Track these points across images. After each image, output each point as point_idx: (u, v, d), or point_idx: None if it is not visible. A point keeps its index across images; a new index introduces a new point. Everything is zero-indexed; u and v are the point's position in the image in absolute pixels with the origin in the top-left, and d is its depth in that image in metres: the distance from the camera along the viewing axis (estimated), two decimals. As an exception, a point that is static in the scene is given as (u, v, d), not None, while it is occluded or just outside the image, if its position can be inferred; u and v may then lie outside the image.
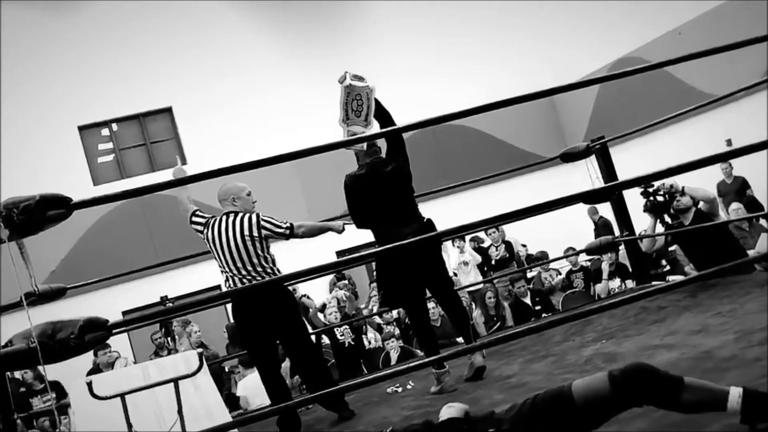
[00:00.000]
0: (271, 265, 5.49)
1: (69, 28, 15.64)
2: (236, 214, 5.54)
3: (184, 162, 15.18)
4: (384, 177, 5.63)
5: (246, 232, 5.42)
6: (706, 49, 3.92)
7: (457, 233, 9.69)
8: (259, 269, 5.42)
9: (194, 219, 5.72)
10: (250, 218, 5.47)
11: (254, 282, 5.44)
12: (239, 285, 5.45)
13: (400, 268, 5.61)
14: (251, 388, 8.46)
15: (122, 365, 9.22)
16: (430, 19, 17.47)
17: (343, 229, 5.82)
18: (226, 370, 10.45)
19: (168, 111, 16.31)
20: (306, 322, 6.26)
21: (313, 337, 9.35)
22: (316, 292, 12.10)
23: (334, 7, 17.21)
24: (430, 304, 8.90)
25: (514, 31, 17.51)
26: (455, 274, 11.62)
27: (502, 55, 17.36)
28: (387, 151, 5.75)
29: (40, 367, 3.00)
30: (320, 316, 10.37)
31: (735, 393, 2.94)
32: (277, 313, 5.47)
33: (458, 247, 12.32)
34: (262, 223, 5.45)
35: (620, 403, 3.06)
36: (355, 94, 5.50)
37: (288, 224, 5.50)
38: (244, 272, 5.43)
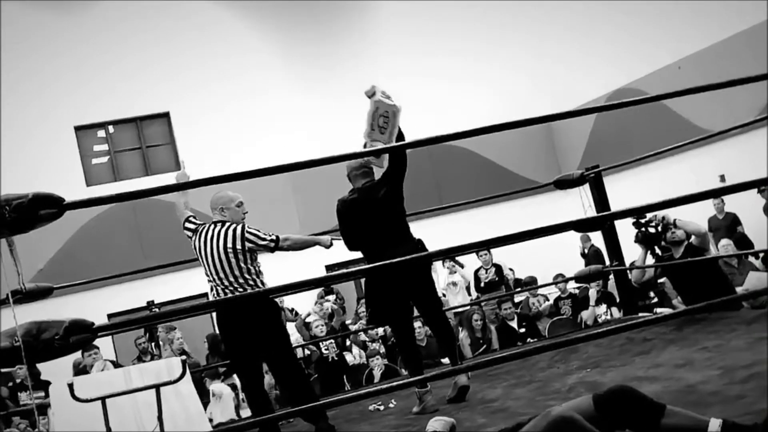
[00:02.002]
0: (254, 277, 5.45)
1: (70, 28, 15.67)
2: (223, 224, 5.52)
3: (179, 168, 15.17)
4: (375, 202, 5.64)
5: (229, 244, 5.39)
6: (705, 84, 3.95)
7: (446, 255, 9.74)
8: (241, 281, 5.40)
9: (186, 225, 5.72)
10: (234, 230, 5.43)
11: (237, 293, 5.42)
12: (222, 295, 5.44)
13: (389, 286, 5.62)
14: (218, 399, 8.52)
15: (99, 368, 9.14)
16: (430, 23, 17.52)
17: (331, 244, 5.80)
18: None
19: (165, 116, 16.33)
20: (289, 334, 6.21)
21: (301, 350, 9.41)
22: (304, 304, 12.09)
23: (332, 12, 17.26)
24: (417, 324, 8.90)
25: (515, 53, 17.57)
26: (444, 295, 11.63)
27: (501, 77, 17.42)
28: (385, 172, 5.74)
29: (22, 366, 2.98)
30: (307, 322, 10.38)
31: (715, 423, 2.97)
32: (260, 325, 5.44)
33: (448, 267, 12.33)
34: (247, 235, 5.41)
35: (603, 424, 3.07)
36: (383, 111, 5.51)
37: (273, 237, 5.46)
38: (226, 283, 5.41)
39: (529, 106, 15.70)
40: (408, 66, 16.98)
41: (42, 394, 8.96)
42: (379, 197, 5.65)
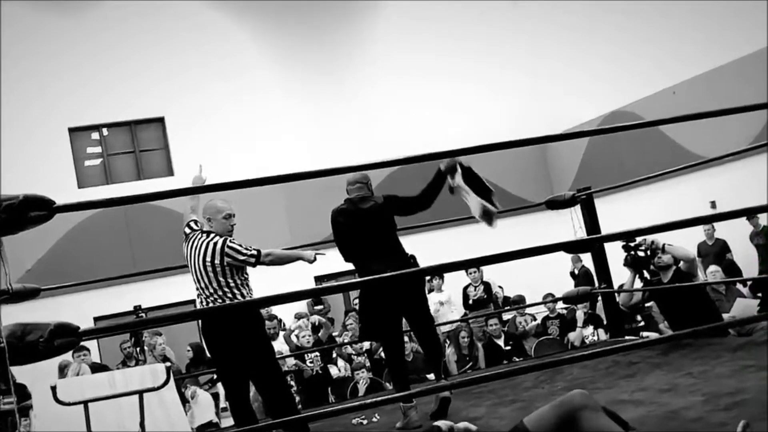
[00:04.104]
0: (234, 290, 5.38)
1: (67, 29, 15.64)
2: (209, 234, 5.49)
3: (171, 173, 15.07)
4: (362, 213, 5.73)
5: (208, 259, 5.36)
6: (699, 111, 3.96)
7: (436, 272, 9.73)
8: (220, 293, 5.37)
9: (185, 230, 5.72)
10: (215, 244, 5.39)
11: (217, 303, 5.40)
12: (205, 304, 5.43)
13: (382, 301, 5.66)
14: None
15: (75, 371, 9.08)
16: (428, 25, 17.55)
17: (315, 259, 5.77)
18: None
19: (160, 121, 16.30)
20: (272, 345, 6.18)
21: (290, 360, 9.39)
22: (292, 314, 12.08)
23: (330, 15, 17.26)
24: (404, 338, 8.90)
25: (510, 72, 17.63)
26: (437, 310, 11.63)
27: (496, 93, 17.45)
28: (388, 195, 5.87)
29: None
30: (293, 337, 10.35)
31: None
32: (241, 336, 5.40)
33: (435, 287, 12.33)
34: (227, 250, 5.36)
35: None
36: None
37: (254, 252, 5.40)
38: (207, 293, 5.40)
39: (522, 130, 15.78)
40: (406, 67, 17.03)
41: (13, 399, 8.81)
42: (365, 208, 5.74)
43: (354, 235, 5.73)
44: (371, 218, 5.72)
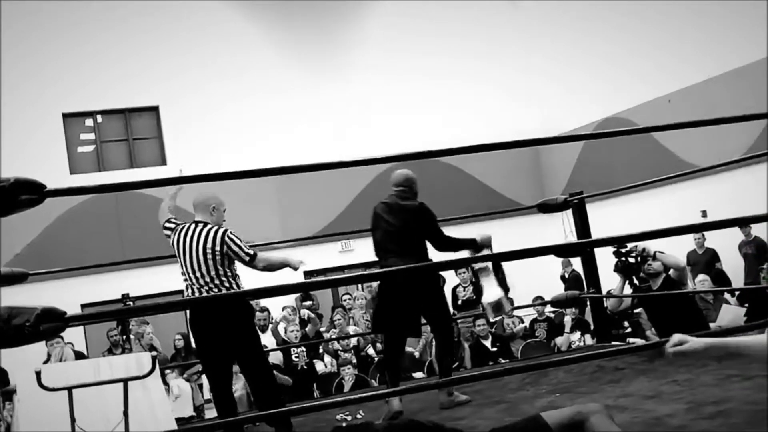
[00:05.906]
0: (230, 279, 5.44)
1: (66, 13, 15.56)
2: (205, 225, 5.51)
3: (164, 163, 15.02)
4: (398, 209, 5.91)
5: (209, 246, 5.38)
6: (693, 120, 3.97)
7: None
8: (217, 282, 5.39)
9: (166, 225, 5.73)
10: (215, 232, 5.43)
11: (211, 293, 5.40)
12: (197, 294, 5.43)
13: (394, 298, 5.81)
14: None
15: (58, 356, 9.05)
16: (428, 23, 17.52)
17: (298, 267, 5.84)
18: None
19: (154, 110, 16.25)
20: (260, 337, 6.21)
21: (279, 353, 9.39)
22: (279, 308, 12.06)
23: (330, 9, 17.23)
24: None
25: (507, 71, 17.63)
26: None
27: (492, 94, 17.45)
28: (425, 207, 5.96)
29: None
30: (280, 329, 10.34)
31: None
32: (231, 327, 5.42)
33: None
34: (227, 239, 5.41)
35: None
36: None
37: (250, 251, 5.48)
38: (202, 282, 5.41)
39: (518, 128, 15.78)
40: (404, 67, 17.02)
41: None
42: (403, 205, 5.92)
43: (384, 228, 5.91)
44: (404, 215, 5.87)
